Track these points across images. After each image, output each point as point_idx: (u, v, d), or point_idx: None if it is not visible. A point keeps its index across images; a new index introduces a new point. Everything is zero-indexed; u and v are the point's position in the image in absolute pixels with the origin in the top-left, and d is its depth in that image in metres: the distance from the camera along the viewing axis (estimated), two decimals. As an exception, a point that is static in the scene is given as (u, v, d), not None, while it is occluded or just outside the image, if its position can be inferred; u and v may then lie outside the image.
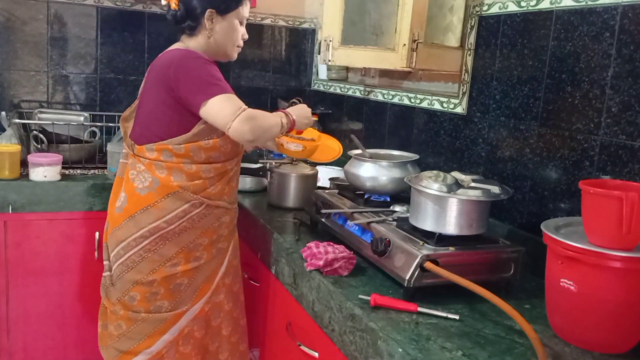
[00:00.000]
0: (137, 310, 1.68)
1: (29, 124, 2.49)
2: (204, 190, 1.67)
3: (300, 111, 1.81)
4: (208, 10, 1.67)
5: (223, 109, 1.53)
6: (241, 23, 1.76)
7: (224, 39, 1.73)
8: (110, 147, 2.36)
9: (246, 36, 1.80)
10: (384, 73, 2.41)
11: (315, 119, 2.78)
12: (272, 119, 1.66)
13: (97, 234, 2.30)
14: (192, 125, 1.62)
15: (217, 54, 1.76)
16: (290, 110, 1.79)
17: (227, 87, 1.60)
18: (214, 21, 1.69)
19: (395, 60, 2.03)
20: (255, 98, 3.05)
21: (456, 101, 1.92)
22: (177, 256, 1.66)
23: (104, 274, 1.77)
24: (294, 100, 2.95)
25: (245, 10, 1.75)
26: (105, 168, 2.41)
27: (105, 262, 1.76)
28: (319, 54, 2.17)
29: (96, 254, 2.31)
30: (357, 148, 1.88)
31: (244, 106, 1.56)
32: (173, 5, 1.68)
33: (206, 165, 1.66)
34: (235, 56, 1.81)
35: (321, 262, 1.46)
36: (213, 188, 1.69)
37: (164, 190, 1.63)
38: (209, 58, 1.69)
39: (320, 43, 2.19)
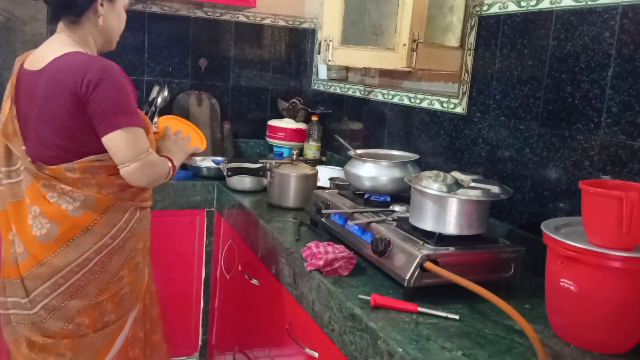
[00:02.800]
0: (85, 334, 1.55)
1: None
2: (137, 195, 1.59)
3: (178, 150, 1.73)
4: None
5: (127, 148, 1.45)
6: (126, 11, 1.65)
7: (114, 28, 1.61)
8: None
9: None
10: (384, 73, 2.41)
11: (315, 118, 2.79)
12: (164, 168, 1.59)
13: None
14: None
15: (104, 44, 1.63)
16: (170, 152, 1.69)
17: (139, 115, 1.52)
18: (105, 8, 1.55)
19: (395, 60, 2.03)
20: (255, 98, 3.05)
21: (456, 101, 1.92)
22: (122, 268, 1.58)
23: (15, 312, 1.55)
24: (294, 100, 2.97)
25: None
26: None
27: (22, 300, 1.53)
28: (319, 54, 2.17)
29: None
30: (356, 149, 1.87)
31: (149, 148, 1.50)
32: None
33: None
34: (115, 46, 1.68)
35: (321, 262, 1.46)
36: (145, 191, 1.62)
37: (101, 205, 1.51)
38: (97, 49, 1.61)
39: (320, 43, 2.18)
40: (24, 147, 1.53)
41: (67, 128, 1.46)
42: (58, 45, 1.52)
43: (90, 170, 1.49)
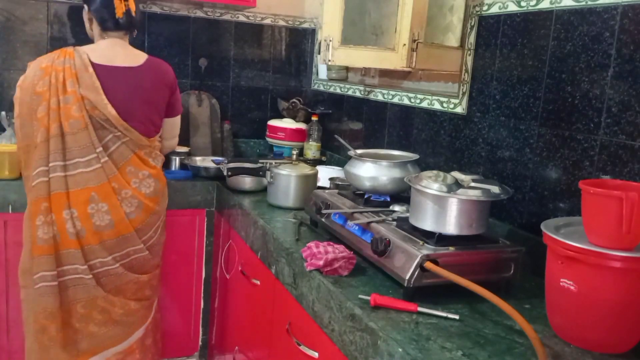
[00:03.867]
0: (140, 298, 1.97)
1: (29, 123, 2.49)
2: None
3: None
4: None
5: (178, 127, 2.16)
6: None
7: None
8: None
9: None
10: (384, 73, 2.41)
11: (315, 118, 2.79)
12: None
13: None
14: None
15: None
16: None
17: None
18: None
19: (395, 60, 2.03)
20: (255, 98, 3.05)
21: (456, 101, 1.92)
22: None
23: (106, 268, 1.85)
24: (294, 100, 2.96)
25: None
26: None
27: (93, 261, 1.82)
28: (319, 53, 2.17)
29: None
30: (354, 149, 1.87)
31: None
32: (133, 11, 1.98)
33: None
34: None
35: (321, 262, 1.45)
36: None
37: (162, 182, 2.05)
38: None
39: (320, 43, 2.18)
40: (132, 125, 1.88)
41: (162, 111, 2.01)
42: (130, 49, 1.99)
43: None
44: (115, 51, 1.92)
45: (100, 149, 1.79)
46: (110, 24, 1.92)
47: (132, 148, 1.87)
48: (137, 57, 1.96)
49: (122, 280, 1.85)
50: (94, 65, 1.84)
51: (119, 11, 1.89)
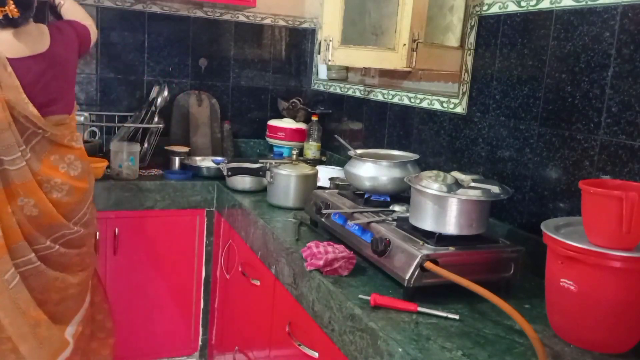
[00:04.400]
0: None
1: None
2: None
3: None
4: None
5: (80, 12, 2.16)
6: None
7: None
8: (113, 147, 2.39)
9: None
10: (384, 73, 2.41)
11: (315, 118, 2.79)
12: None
13: (97, 233, 2.31)
14: None
15: None
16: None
17: None
18: None
19: (395, 60, 2.03)
20: (255, 98, 3.05)
21: (456, 101, 1.92)
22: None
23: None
24: (294, 100, 2.96)
25: None
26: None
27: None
28: (319, 53, 2.17)
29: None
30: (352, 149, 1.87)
31: None
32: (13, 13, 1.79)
33: None
34: None
35: (321, 262, 1.46)
36: None
37: None
38: None
39: (320, 43, 2.18)
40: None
41: (75, 73, 2.04)
42: (32, 33, 1.87)
43: None
44: (22, 40, 1.81)
45: (24, 147, 1.78)
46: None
47: (53, 139, 1.84)
48: (42, 39, 1.86)
49: (66, 257, 1.91)
50: (10, 61, 1.77)
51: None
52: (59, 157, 1.86)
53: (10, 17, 1.75)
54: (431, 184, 1.41)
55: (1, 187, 1.74)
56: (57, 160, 1.85)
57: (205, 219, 2.54)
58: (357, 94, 2.60)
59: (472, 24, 1.85)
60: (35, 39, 1.84)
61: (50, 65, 1.84)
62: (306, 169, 2.14)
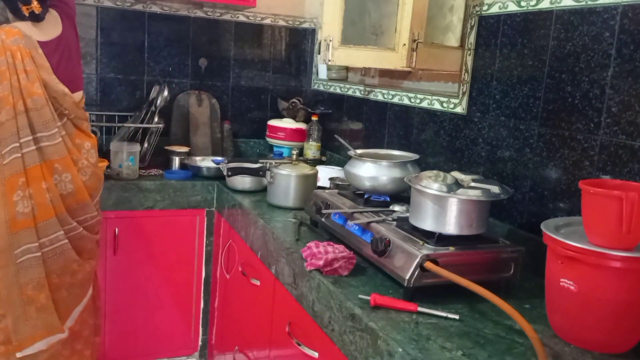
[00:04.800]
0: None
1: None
2: None
3: None
4: None
5: None
6: None
7: None
8: (113, 147, 2.39)
9: None
10: (384, 73, 2.41)
11: (315, 118, 2.79)
12: None
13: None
14: None
15: None
16: None
17: None
18: None
19: (395, 60, 2.03)
20: (255, 98, 3.05)
21: (456, 101, 1.92)
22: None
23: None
24: (294, 100, 2.96)
25: None
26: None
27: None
28: (319, 53, 2.17)
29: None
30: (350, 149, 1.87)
31: None
32: (37, 9, 1.86)
33: None
34: None
35: (321, 262, 1.46)
36: None
37: None
38: None
39: (320, 43, 2.18)
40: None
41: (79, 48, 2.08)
42: (42, 22, 1.90)
43: None
44: (40, 27, 1.90)
45: (59, 123, 1.85)
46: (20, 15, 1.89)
47: (75, 122, 1.92)
48: (56, 24, 1.94)
49: (84, 241, 1.94)
50: (40, 44, 1.87)
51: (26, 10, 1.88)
52: (80, 141, 1.93)
53: (36, 13, 1.84)
54: (431, 184, 1.41)
55: (39, 162, 1.80)
56: (79, 144, 1.93)
57: (205, 219, 2.54)
58: (357, 94, 2.60)
59: (472, 24, 1.85)
60: (51, 25, 1.92)
61: (65, 48, 1.93)
62: (306, 169, 2.14)
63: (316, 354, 1.49)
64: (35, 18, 1.85)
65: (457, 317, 1.25)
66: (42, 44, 1.86)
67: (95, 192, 1.97)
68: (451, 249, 1.35)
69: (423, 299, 1.30)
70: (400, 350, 1.11)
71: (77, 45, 2.02)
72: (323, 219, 1.74)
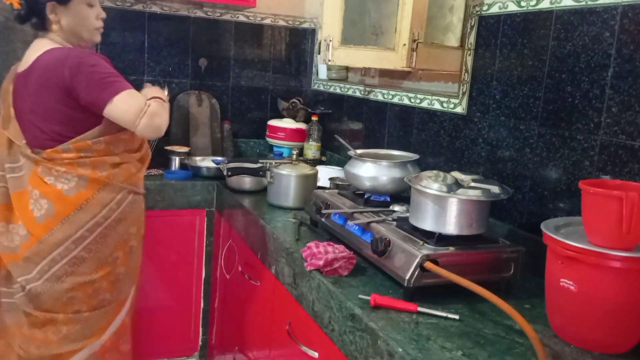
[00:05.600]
0: (79, 310, 1.66)
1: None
2: (130, 177, 1.70)
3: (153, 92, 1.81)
4: (49, 4, 1.63)
5: (128, 109, 1.56)
6: (90, 5, 1.72)
7: (76, 28, 1.70)
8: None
9: (103, 15, 1.76)
10: (384, 73, 2.41)
11: (315, 118, 2.79)
12: (164, 107, 1.68)
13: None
14: (101, 120, 1.63)
15: (77, 42, 1.73)
16: (151, 91, 1.78)
17: (124, 79, 1.62)
18: (57, 13, 1.65)
19: (395, 60, 2.03)
20: (255, 98, 3.05)
21: (456, 101, 1.92)
22: (116, 249, 1.69)
23: (6, 301, 1.68)
24: (294, 100, 2.96)
25: None
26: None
27: (17, 283, 1.66)
28: (319, 53, 2.17)
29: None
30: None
31: (146, 101, 1.60)
32: (15, 5, 1.65)
33: (126, 155, 1.71)
34: (97, 39, 1.77)
35: (321, 262, 1.46)
36: (139, 173, 1.75)
37: (94, 185, 1.64)
38: (75, 46, 1.72)
39: (320, 43, 2.18)
40: (24, 141, 1.67)
41: (59, 113, 1.61)
42: (40, 46, 1.66)
43: (84, 150, 1.63)
44: (29, 54, 1.68)
45: (9, 165, 1.69)
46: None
47: (32, 162, 1.65)
48: (30, 58, 1.65)
49: None
50: (14, 77, 1.71)
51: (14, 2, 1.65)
52: (31, 188, 1.73)
53: (16, 11, 1.67)
54: (431, 184, 1.40)
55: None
56: (30, 193, 1.75)
57: (205, 219, 2.54)
58: (357, 94, 2.60)
59: (472, 24, 1.85)
60: (33, 54, 1.69)
61: (24, 86, 1.71)
62: (306, 169, 2.14)
63: (316, 354, 1.49)
64: (18, 18, 1.67)
65: (457, 317, 1.25)
66: (18, 76, 1.68)
67: (31, 257, 1.70)
68: (451, 249, 1.35)
69: (423, 299, 1.30)
70: (400, 350, 1.11)
71: (53, 101, 1.62)
72: (323, 219, 1.74)
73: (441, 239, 1.38)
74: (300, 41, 3.10)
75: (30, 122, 1.65)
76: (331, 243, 1.55)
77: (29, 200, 1.65)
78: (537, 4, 1.60)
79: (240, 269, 2.15)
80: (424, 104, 2.10)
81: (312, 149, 2.79)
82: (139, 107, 1.56)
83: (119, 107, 1.55)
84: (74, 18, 1.68)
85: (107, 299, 1.70)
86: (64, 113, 1.60)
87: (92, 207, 1.63)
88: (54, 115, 1.61)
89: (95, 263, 1.66)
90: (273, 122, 2.90)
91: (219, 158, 2.60)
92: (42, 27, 1.68)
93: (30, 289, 1.65)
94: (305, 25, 3.09)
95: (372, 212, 1.62)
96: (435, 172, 1.48)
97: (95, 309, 1.68)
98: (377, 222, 1.54)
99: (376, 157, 1.78)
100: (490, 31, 1.77)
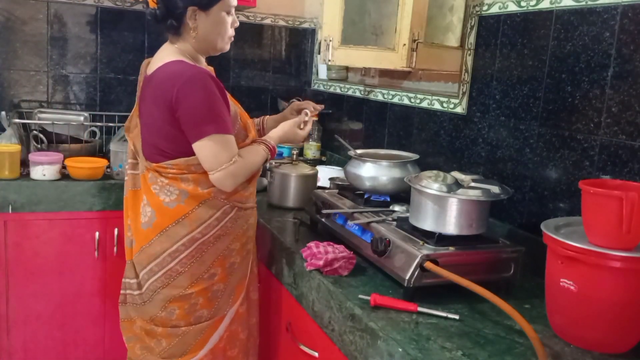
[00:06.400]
0: (177, 325, 1.64)
1: (28, 123, 2.49)
2: (234, 194, 1.63)
3: (286, 133, 1.81)
4: (190, 8, 1.55)
5: (213, 156, 1.52)
6: (229, 13, 1.63)
7: (212, 35, 1.62)
8: (113, 147, 2.37)
9: (237, 24, 1.68)
10: (384, 73, 2.41)
11: (315, 119, 2.79)
12: (256, 163, 1.64)
13: (97, 233, 2.30)
14: None
15: (208, 51, 1.67)
16: (275, 134, 1.78)
17: (227, 121, 1.55)
18: (197, 19, 1.58)
19: (395, 60, 2.03)
20: (255, 98, 3.05)
21: (456, 101, 1.92)
22: (213, 265, 1.63)
23: (129, 292, 1.71)
24: (294, 100, 2.96)
25: None
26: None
27: (131, 281, 1.69)
28: (319, 53, 2.18)
29: (96, 253, 2.31)
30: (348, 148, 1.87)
31: (235, 157, 1.54)
32: (151, 3, 1.60)
33: None
34: (227, 48, 1.70)
35: (321, 262, 1.46)
36: (244, 191, 1.66)
37: (195, 200, 1.59)
38: (202, 54, 1.67)
39: (320, 43, 2.19)
40: (138, 145, 1.69)
41: (165, 130, 1.56)
42: (165, 53, 1.62)
43: (186, 169, 1.58)
44: (156, 57, 1.66)
45: (132, 160, 1.74)
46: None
47: (145, 167, 1.67)
48: (155, 64, 1.62)
49: None
50: (144, 75, 1.71)
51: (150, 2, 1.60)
52: (140, 194, 1.79)
53: (151, 10, 1.63)
54: (431, 184, 1.41)
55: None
56: (137, 201, 1.79)
57: (205, 219, 2.53)
58: (357, 94, 2.60)
59: (472, 24, 1.85)
60: (157, 59, 1.67)
61: (144, 95, 1.71)
62: (306, 169, 2.14)
63: (316, 354, 1.49)
64: (153, 17, 1.61)
65: (457, 317, 1.25)
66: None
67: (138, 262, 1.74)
68: (451, 249, 1.35)
69: (423, 299, 1.30)
70: (400, 350, 1.11)
71: (161, 118, 1.57)
72: (323, 219, 1.74)
73: (441, 239, 1.38)
74: (300, 41, 3.10)
75: (144, 131, 1.65)
76: (331, 243, 1.55)
77: (141, 203, 1.66)
78: (537, 4, 1.60)
79: (240, 269, 2.14)
80: (424, 104, 2.10)
81: (312, 149, 2.79)
82: (222, 161, 1.53)
83: (203, 151, 1.52)
84: (212, 25, 1.60)
85: (204, 316, 1.65)
86: (170, 131, 1.55)
87: (189, 222, 1.59)
88: (161, 132, 1.57)
89: (190, 278, 1.61)
90: (273, 122, 2.90)
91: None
92: (177, 31, 1.61)
93: (134, 295, 1.69)
94: (305, 25, 3.09)
95: (372, 212, 1.62)
96: (435, 172, 1.48)
97: (192, 325, 1.64)
98: (377, 222, 1.54)
99: (376, 157, 1.78)
100: (490, 31, 1.77)
